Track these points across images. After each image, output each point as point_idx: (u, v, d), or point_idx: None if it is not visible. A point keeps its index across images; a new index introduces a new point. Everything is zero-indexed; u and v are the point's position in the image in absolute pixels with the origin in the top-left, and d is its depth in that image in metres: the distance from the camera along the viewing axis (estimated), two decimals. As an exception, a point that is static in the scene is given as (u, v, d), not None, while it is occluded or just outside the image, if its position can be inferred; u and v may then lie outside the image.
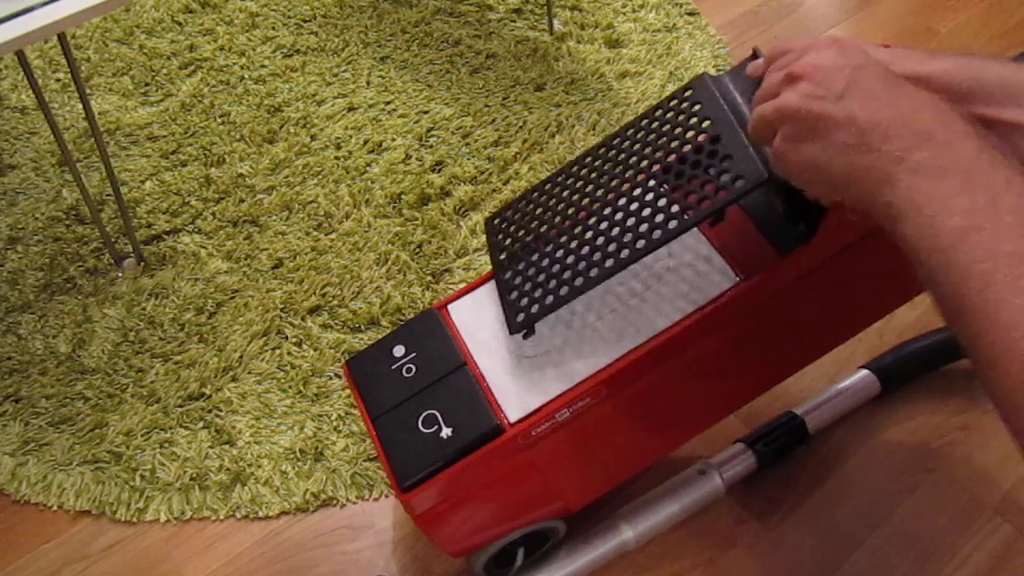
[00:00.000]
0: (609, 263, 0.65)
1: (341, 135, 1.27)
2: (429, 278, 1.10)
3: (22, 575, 0.87)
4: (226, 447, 0.95)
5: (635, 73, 1.36)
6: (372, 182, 1.21)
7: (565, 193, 0.72)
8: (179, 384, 1.00)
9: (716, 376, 0.75)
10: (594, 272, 0.65)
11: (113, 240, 1.14)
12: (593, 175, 0.70)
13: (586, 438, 0.72)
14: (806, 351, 0.79)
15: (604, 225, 0.67)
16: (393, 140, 1.26)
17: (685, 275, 0.70)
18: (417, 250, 1.13)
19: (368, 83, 1.35)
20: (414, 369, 0.74)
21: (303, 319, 1.06)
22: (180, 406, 0.99)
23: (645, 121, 0.70)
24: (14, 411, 0.99)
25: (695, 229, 0.70)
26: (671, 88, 1.34)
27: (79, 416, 0.98)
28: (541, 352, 0.70)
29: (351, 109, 1.31)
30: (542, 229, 0.71)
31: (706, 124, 0.66)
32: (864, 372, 0.95)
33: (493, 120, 1.28)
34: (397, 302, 1.07)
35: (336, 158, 1.24)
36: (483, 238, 1.14)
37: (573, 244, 0.68)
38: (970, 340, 0.41)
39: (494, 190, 1.19)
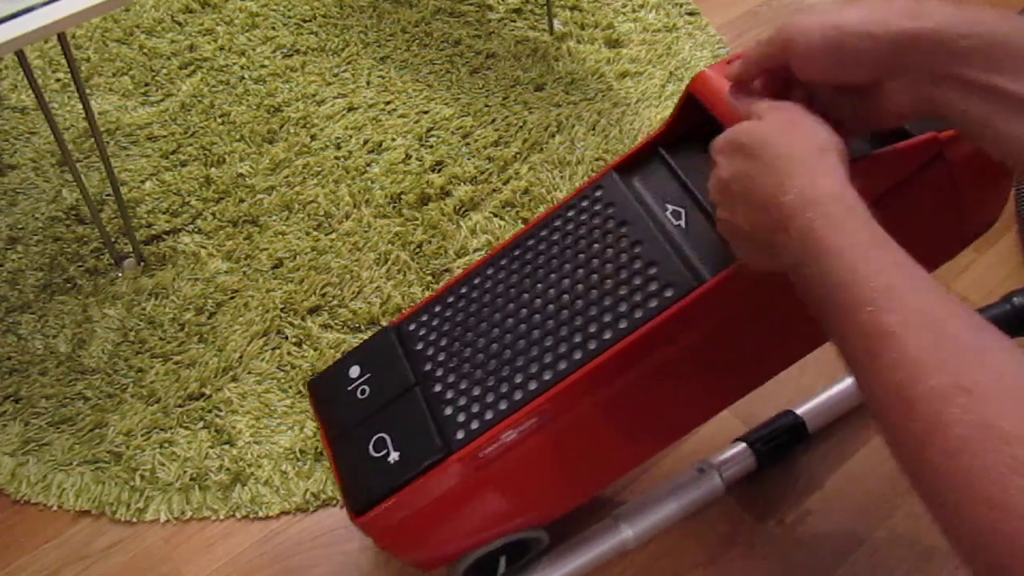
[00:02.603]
0: (548, 376, 0.65)
1: (341, 135, 1.27)
2: (429, 278, 1.10)
3: (22, 575, 0.87)
4: (226, 447, 0.95)
5: (635, 73, 1.36)
6: (372, 182, 1.21)
7: (487, 298, 0.72)
8: (179, 384, 1.00)
9: (673, 389, 0.72)
10: (533, 386, 0.65)
11: (113, 240, 1.14)
12: (515, 279, 0.71)
13: (543, 454, 0.70)
14: (768, 362, 0.75)
15: (536, 335, 0.67)
16: (393, 140, 1.26)
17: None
18: (417, 250, 1.13)
19: (368, 83, 1.35)
20: (368, 391, 0.73)
21: (303, 319, 1.06)
22: (180, 406, 0.99)
23: (559, 222, 0.71)
24: (14, 411, 0.99)
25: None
26: (671, 88, 1.34)
27: (79, 416, 0.98)
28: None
29: (351, 109, 1.31)
30: (468, 339, 0.71)
31: (623, 228, 0.67)
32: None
33: (493, 120, 1.28)
34: (397, 302, 1.07)
35: (336, 158, 1.24)
36: (484, 238, 1.14)
37: (506, 354, 0.68)
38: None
39: (494, 190, 1.19)
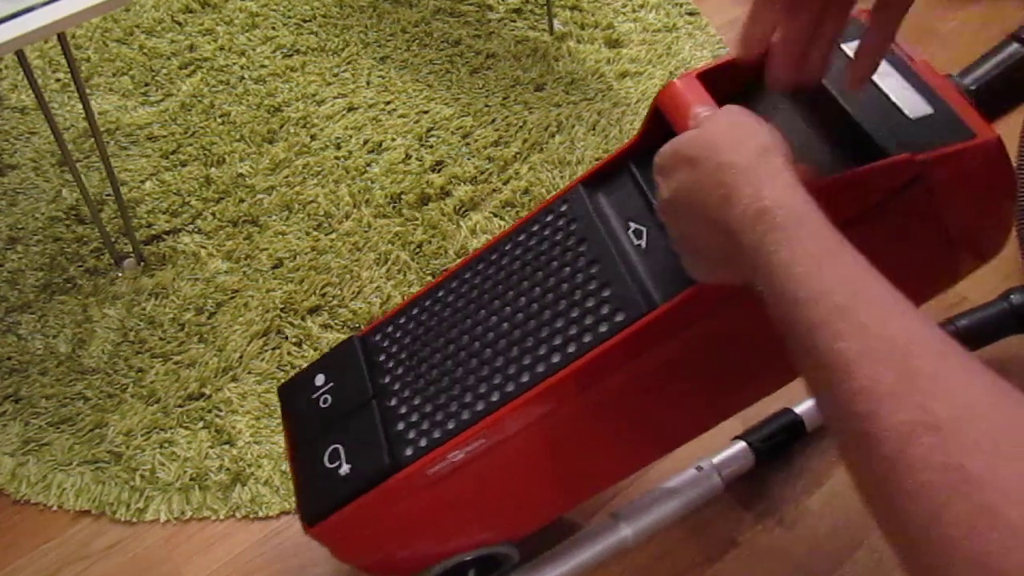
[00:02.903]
0: (495, 397, 0.63)
1: (341, 135, 1.27)
2: (429, 278, 1.10)
3: (22, 575, 0.87)
4: (226, 447, 0.95)
5: (635, 73, 1.36)
6: (372, 182, 1.21)
7: (447, 312, 0.71)
8: (179, 384, 1.00)
9: (629, 417, 0.68)
10: (480, 406, 0.64)
11: (113, 240, 1.14)
12: (475, 294, 0.69)
13: (497, 474, 0.67)
14: (745, 389, 0.71)
15: (488, 354, 0.65)
16: (393, 140, 1.26)
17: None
18: (417, 250, 1.13)
19: (368, 83, 1.35)
20: (329, 400, 0.72)
21: (303, 319, 1.06)
22: (180, 406, 0.99)
23: (523, 236, 0.70)
24: (14, 411, 0.99)
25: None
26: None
27: (79, 416, 0.98)
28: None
29: (351, 109, 1.31)
30: (425, 354, 0.70)
31: (582, 246, 0.65)
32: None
33: (493, 120, 1.28)
34: (397, 302, 1.07)
35: (336, 158, 1.24)
36: (484, 238, 1.14)
37: (459, 372, 0.66)
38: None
39: (494, 190, 1.19)
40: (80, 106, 1.19)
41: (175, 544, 0.89)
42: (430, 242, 1.13)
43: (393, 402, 0.69)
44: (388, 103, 1.32)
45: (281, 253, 1.13)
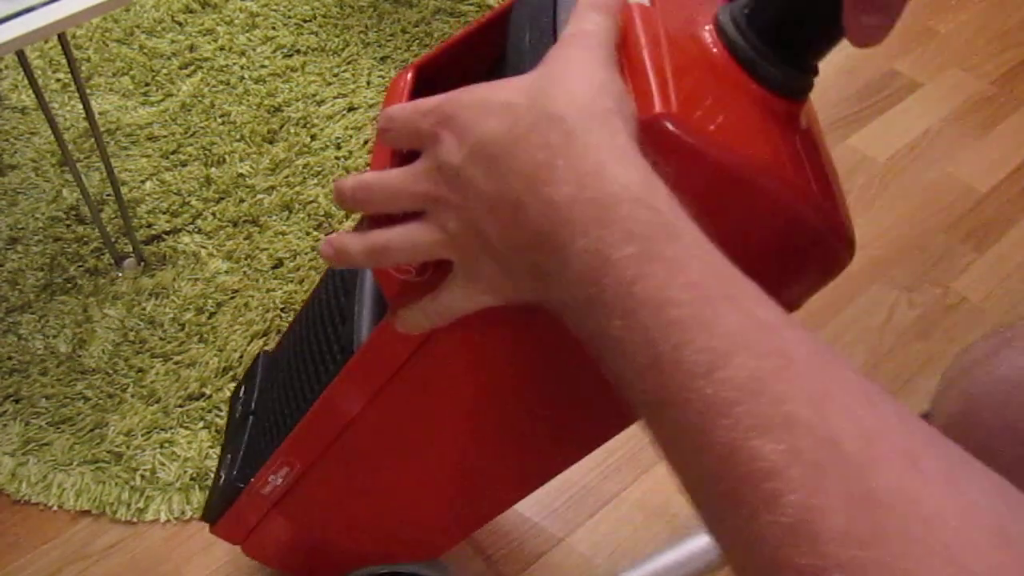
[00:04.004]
0: (288, 426, 0.62)
1: (341, 135, 1.27)
2: (429, 278, 1.10)
3: (22, 575, 0.87)
4: (226, 447, 0.95)
5: (635, 73, 1.36)
6: (372, 182, 1.21)
7: (292, 339, 0.71)
8: (179, 384, 1.01)
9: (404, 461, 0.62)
10: (281, 435, 0.63)
11: (113, 240, 1.14)
12: (309, 328, 0.68)
13: (329, 496, 0.65)
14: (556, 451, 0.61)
15: (299, 382, 0.64)
16: (393, 140, 1.26)
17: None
18: (417, 250, 1.13)
19: (368, 83, 1.35)
20: (239, 411, 0.75)
21: (303, 319, 1.06)
22: (180, 406, 0.99)
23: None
24: (14, 411, 0.99)
25: None
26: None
27: (79, 416, 0.98)
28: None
29: (351, 109, 1.31)
30: (280, 378, 0.70)
31: (348, 276, 0.62)
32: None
33: (493, 120, 1.28)
34: (397, 302, 1.07)
35: (336, 158, 1.24)
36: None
37: (288, 398, 0.65)
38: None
39: (494, 190, 1.19)
40: (80, 106, 1.19)
41: (175, 544, 0.89)
42: (430, 242, 1.13)
43: (257, 420, 0.71)
44: (388, 103, 1.32)
45: (281, 253, 1.13)
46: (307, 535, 0.70)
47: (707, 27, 0.40)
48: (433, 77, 0.50)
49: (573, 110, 0.32)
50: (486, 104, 0.34)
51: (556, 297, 0.32)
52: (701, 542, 0.81)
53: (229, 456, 0.70)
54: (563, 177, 0.31)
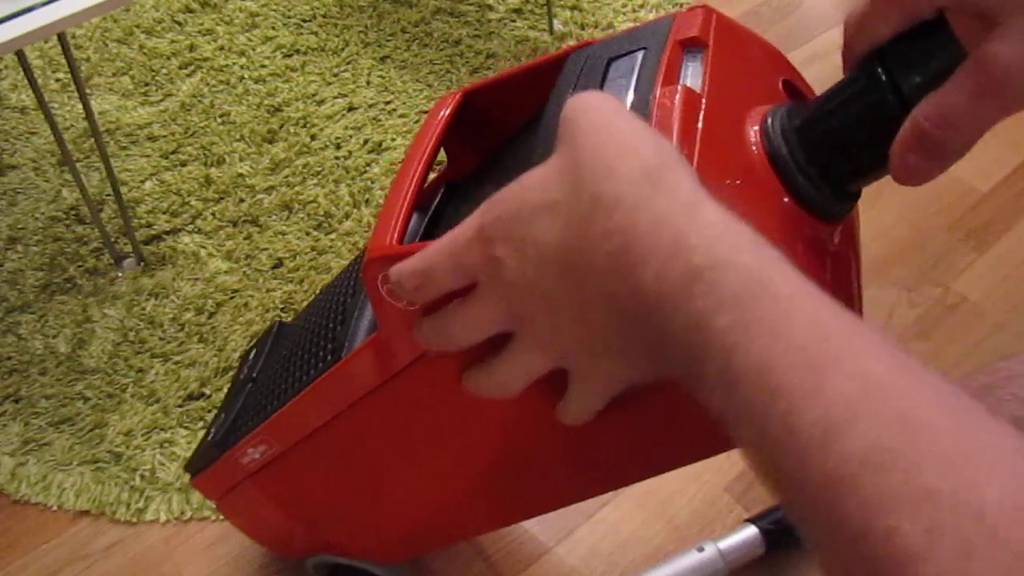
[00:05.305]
0: (273, 407, 0.62)
1: (341, 135, 1.27)
2: (429, 278, 1.10)
3: (22, 575, 0.87)
4: (226, 447, 0.95)
5: (635, 73, 1.36)
6: (372, 182, 1.21)
7: (305, 320, 0.71)
8: (179, 384, 1.01)
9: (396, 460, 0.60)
10: (263, 414, 0.63)
11: (113, 240, 1.14)
12: (314, 313, 0.69)
13: (304, 479, 0.64)
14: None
15: (291, 365, 0.64)
16: (393, 140, 1.26)
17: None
18: (417, 250, 1.13)
19: (368, 83, 1.35)
20: (243, 374, 0.75)
21: (303, 319, 1.06)
22: (180, 406, 0.99)
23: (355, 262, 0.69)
24: (14, 411, 0.99)
25: None
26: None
27: (79, 416, 0.98)
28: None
29: (351, 109, 1.31)
30: (284, 353, 0.70)
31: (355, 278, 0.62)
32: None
33: (493, 120, 1.28)
34: (397, 302, 1.07)
35: (336, 158, 1.24)
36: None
37: (281, 376, 0.65)
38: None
39: (494, 190, 1.19)
40: (80, 106, 1.19)
41: (175, 544, 0.89)
42: (430, 242, 1.13)
43: (255, 388, 0.71)
44: (388, 103, 1.32)
45: (281, 253, 1.13)
46: (276, 512, 0.70)
47: (754, 128, 0.38)
48: (477, 103, 0.50)
49: (623, 186, 0.30)
50: (525, 210, 0.32)
51: (677, 374, 0.30)
52: (696, 557, 0.79)
53: (223, 415, 0.70)
54: (642, 257, 0.29)
